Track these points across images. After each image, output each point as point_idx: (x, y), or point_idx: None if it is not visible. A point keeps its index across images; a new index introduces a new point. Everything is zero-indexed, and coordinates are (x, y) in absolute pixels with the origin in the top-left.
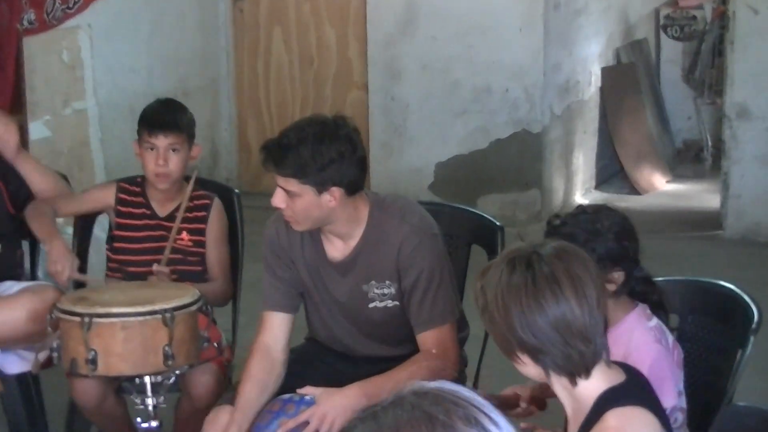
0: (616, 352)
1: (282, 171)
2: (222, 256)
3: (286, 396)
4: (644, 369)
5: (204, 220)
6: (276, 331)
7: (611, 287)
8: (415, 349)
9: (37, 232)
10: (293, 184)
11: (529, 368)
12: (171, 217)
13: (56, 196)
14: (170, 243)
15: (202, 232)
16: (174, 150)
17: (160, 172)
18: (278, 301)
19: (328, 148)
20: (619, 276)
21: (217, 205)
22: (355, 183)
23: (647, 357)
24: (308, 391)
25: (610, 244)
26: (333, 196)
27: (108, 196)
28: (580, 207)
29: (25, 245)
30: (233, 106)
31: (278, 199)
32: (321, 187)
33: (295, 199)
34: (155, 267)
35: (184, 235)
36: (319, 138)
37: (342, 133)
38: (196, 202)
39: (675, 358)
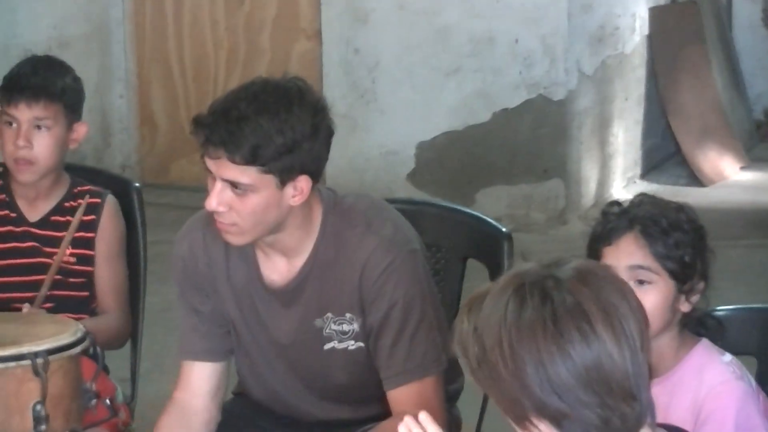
0: (679, 404)
1: (236, 153)
2: (117, 278)
3: None
4: (729, 422)
5: (92, 226)
6: (195, 385)
7: (684, 308)
8: (383, 412)
9: None
10: (249, 174)
11: None
12: (45, 223)
13: None
14: (53, 270)
15: (88, 244)
16: (42, 127)
17: (20, 157)
18: (197, 347)
19: (299, 120)
20: (699, 290)
21: (110, 205)
22: (321, 168)
23: (731, 403)
24: None
25: (695, 245)
26: (298, 189)
27: None
28: (642, 194)
29: None
30: (131, 63)
31: (218, 199)
32: (286, 176)
33: (246, 197)
34: (25, 310)
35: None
36: (286, 105)
37: (310, 98)
38: (80, 200)
39: (761, 405)
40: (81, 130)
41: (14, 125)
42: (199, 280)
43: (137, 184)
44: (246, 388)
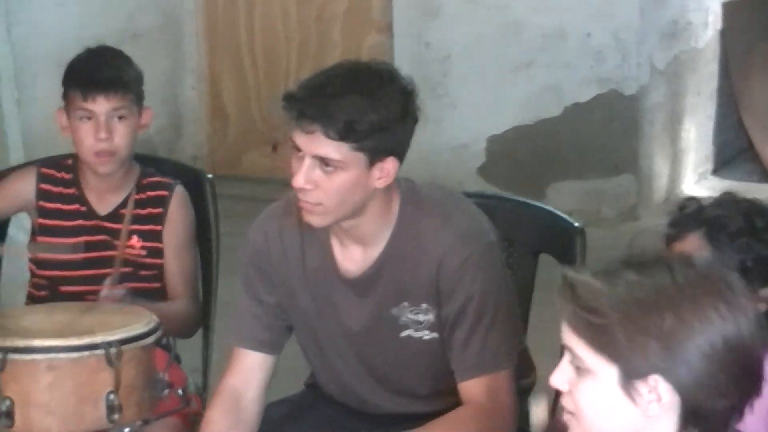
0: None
1: (330, 128)
2: (186, 268)
3: None
4: None
5: (161, 218)
6: (249, 375)
7: (762, 307)
8: (454, 406)
9: None
10: (341, 150)
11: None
12: (115, 216)
13: None
14: (120, 253)
15: (158, 236)
16: (120, 117)
17: (102, 150)
18: (255, 336)
19: (391, 100)
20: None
21: (179, 196)
22: (405, 154)
23: None
24: None
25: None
26: (385, 171)
27: (25, 188)
28: (727, 193)
29: None
30: (203, 55)
31: (306, 177)
32: (375, 156)
33: (334, 174)
34: (104, 292)
35: (135, 239)
36: (378, 86)
37: (401, 83)
38: (149, 192)
39: None
40: (148, 115)
41: (92, 119)
42: (269, 270)
43: (210, 176)
44: (317, 380)
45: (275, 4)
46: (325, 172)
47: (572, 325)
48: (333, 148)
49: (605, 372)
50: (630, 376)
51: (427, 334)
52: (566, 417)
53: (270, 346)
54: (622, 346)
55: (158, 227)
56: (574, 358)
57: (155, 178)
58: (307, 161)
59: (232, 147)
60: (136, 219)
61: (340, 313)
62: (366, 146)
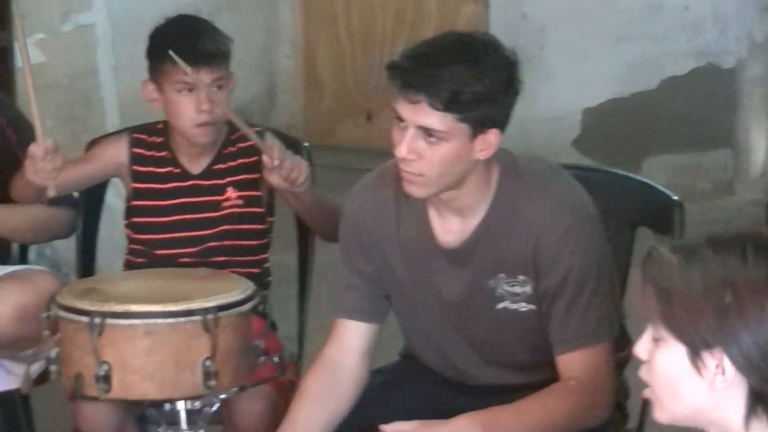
0: None
1: (435, 98)
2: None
3: None
4: None
5: (255, 166)
6: (347, 344)
7: None
8: (551, 378)
9: (29, 199)
10: (446, 121)
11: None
12: (209, 173)
13: None
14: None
15: (255, 184)
16: (219, 87)
17: (205, 121)
18: (355, 306)
19: (496, 71)
20: None
21: (270, 139)
22: (505, 127)
23: None
24: (398, 428)
25: None
26: (487, 143)
27: (118, 153)
28: None
29: None
30: (298, 24)
31: (409, 147)
32: (479, 127)
33: (437, 145)
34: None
35: (230, 191)
36: (483, 57)
37: (506, 53)
38: (239, 144)
39: None
40: (233, 78)
41: (193, 91)
42: (366, 240)
43: (306, 144)
44: (413, 350)
45: None
46: (428, 143)
47: (648, 296)
48: (437, 119)
49: (674, 343)
50: (695, 348)
51: (523, 306)
52: (646, 392)
53: (369, 315)
54: (681, 319)
55: (254, 175)
56: (653, 328)
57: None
58: (411, 131)
59: (327, 116)
60: (229, 172)
61: (436, 283)
62: (470, 117)
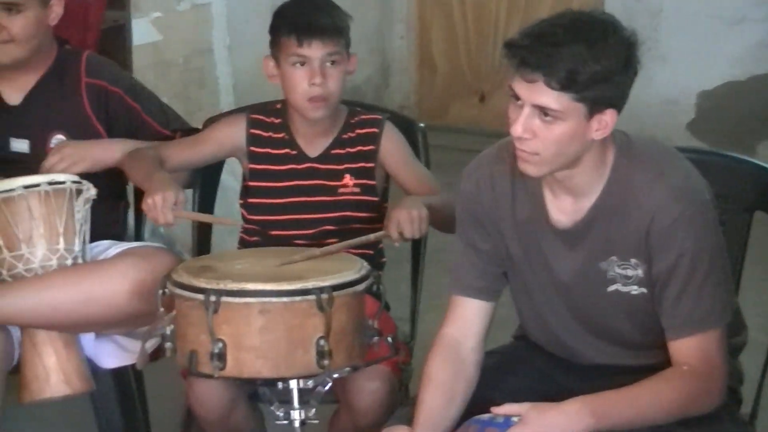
0: None
1: (552, 77)
2: (421, 174)
3: (485, 417)
4: None
5: (372, 154)
6: (467, 323)
7: None
8: (663, 360)
9: (136, 177)
10: (562, 100)
11: None
12: (326, 157)
13: (163, 144)
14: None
15: (371, 173)
16: (333, 62)
17: (316, 95)
18: (472, 284)
19: (614, 50)
20: None
21: (388, 131)
22: (622, 108)
23: None
24: (509, 410)
25: None
26: (603, 123)
27: (235, 134)
28: None
29: (131, 196)
30: (412, 5)
31: (524, 125)
32: (595, 107)
33: (553, 125)
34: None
35: (347, 178)
36: (602, 36)
37: (625, 32)
38: (358, 130)
39: None
40: (354, 61)
41: (305, 65)
42: (482, 218)
43: (422, 125)
44: (526, 330)
45: None
46: (543, 122)
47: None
48: (553, 98)
49: None
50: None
51: (635, 289)
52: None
53: (486, 293)
54: None
55: (370, 164)
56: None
57: (364, 116)
58: (527, 110)
59: (439, 97)
60: (347, 158)
61: (549, 262)
62: (587, 97)
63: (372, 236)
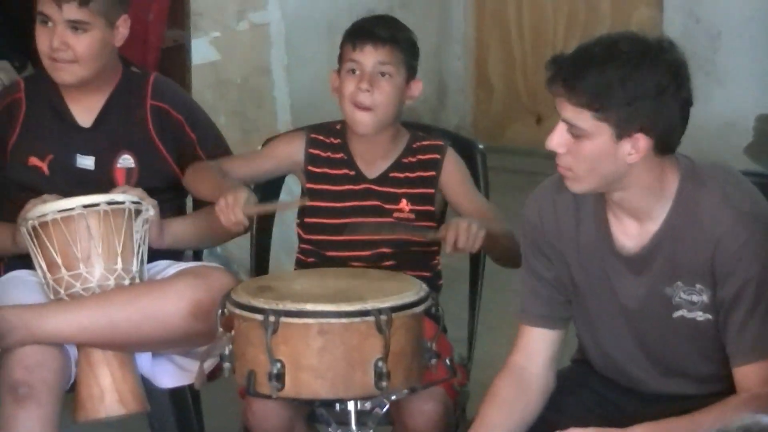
0: None
1: (575, 96)
2: (482, 201)
3: None
4: None
5: (432, 181)
6: (533, 350)
7: None
8: (727, 389)
9: (203, 189)
10: (585, 118)
11: None
12: (385, 180)
13: (224, 158)
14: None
15: (429, 199)
16: (385, 74)
17: (360, 101)
18: (537, 312)
19: (646, 75)
20: None
21: (450, 158)
22: (669, 136)
23: None
24: None
25: None
26: (635, 147)
27: (295, 152)
28: None
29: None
30: (470, 26)
31: (558, 139)
32: (622, 129)
33: (582, 142)
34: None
35: (404, 203)
36: (637, 58)
37: (667, 59)
38: (420, 156)
39: None
40: (417, 87)
41: (357, 71)
42: (545, 247)
43: (481, 146)
44: (586, 355)
45: None
46: (574, 138)
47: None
48: (577, 115)
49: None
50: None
51: (700, 315)
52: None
53: (551, 320)
54: None
55: (429, 190)
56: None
57: (426, 142)
58: (560, 125)
59: (496, 118)
60: (406, 182)
61: (614, 289)
62: (612, 117)
63: (430, 234)
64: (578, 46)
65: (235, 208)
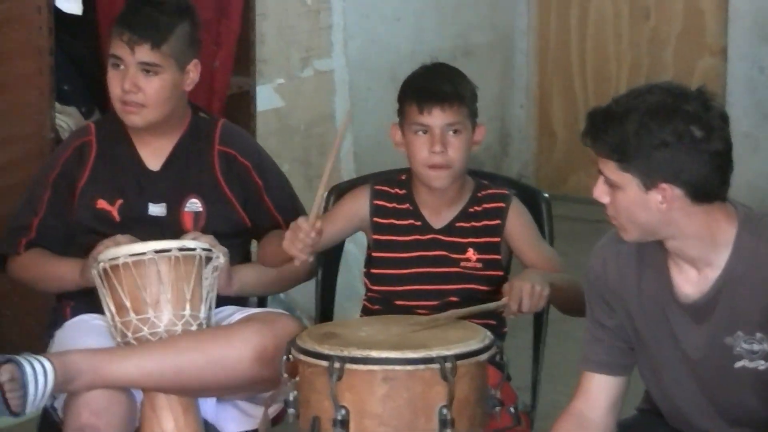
0: None
1: (598, 148)
2: (547, 248)
3: None
4: None
5: (497, 229)
6: (594, 397)
7: None
8: None
9: (272, 256)
10: (612, 169)
11: None
12: (451, 229)
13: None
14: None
15: (495, 248)
16: (455, 132)
17: (436, 163)
18: (599, 359)
19: (660, 125)
20: None
21: (515, 207)
22: (702, 185)
23: None
24: None
25: None
26: (665, 197)
27: (360, 207)
28: None
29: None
30: (533, 74)
31: (598, 190)
32: (647, 179)
33: (616, 192)
34: None
35: (470, 252)
36: (653, 109)
37: (687, 109)
38: (485, 204)
39: None
40: (481, 132)
41: (426, 133)
42: (608, 296)
43: (546, 194)
44: (651, 403)
45: (607, 25)
46: (610, 188)
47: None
48: (605, 166)
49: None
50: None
51: (762, 364)
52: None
53: (613, 368)
54: None
55: (495, 239)
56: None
57: (491, 191)
58: (600, 176)
59: (559, 166)
60: (472, 231)
61: (677, 338)
62: (634, 169)
63: (492, 305)
64: (612, 98)
65: (298, 234)
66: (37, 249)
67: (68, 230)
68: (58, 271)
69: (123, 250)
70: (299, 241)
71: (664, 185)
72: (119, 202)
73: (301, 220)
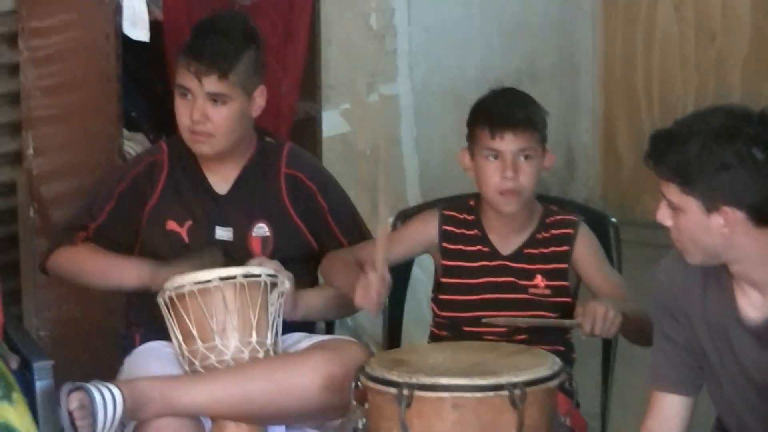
0: None
1: (660, 171)
2: (616, 276)
3: None
4: None
5: (565, 256)
6: (666, 418)
7: None
8: None
9: (338, 284)
10: (674, 192)
11: None
12: (519, 256)
13: (358, 245)
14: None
15: (563, 274)
16: (526, 157)
17: (507, 188)
18: (669, 377)
19: (722, 148)
20: None
21: (583, 234)
22: (764, 208)
23: None
24: None
25: None
26: (726, 221)
27: (429, 232)
28: None
29: None
30: (598, 97)
31: (662, 213)
32: (708, 202)
33: (678, 215)
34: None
35: (539, 279)
36: (715, 132)
37: (749, 131)
38: (553, 231)
39: None
40: (550, 158)
41: (498, 158)
42: (674, 310)
43: (614, 219)
44: (723, 424)
45: (674, 48)
46: (673, 211)
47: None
48: (667, 189)
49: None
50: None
51: None
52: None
53: (683, 386)
54: None
55: (563, 265)
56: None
57: (559, 216)
58: (663, 199)
59: (625, 190)
60: (540, 258)
61: (741, 360)
62: (696, 192)
63: (566, 322)
64: (674, 121)
65: (369, 291)
66: (92, 245)
67: (118, 246)
68: (120, 266)
69: (188, 278)
70: (370, 297)
71: (726, 208)
72: (189, 223)
73: (372, 275)
